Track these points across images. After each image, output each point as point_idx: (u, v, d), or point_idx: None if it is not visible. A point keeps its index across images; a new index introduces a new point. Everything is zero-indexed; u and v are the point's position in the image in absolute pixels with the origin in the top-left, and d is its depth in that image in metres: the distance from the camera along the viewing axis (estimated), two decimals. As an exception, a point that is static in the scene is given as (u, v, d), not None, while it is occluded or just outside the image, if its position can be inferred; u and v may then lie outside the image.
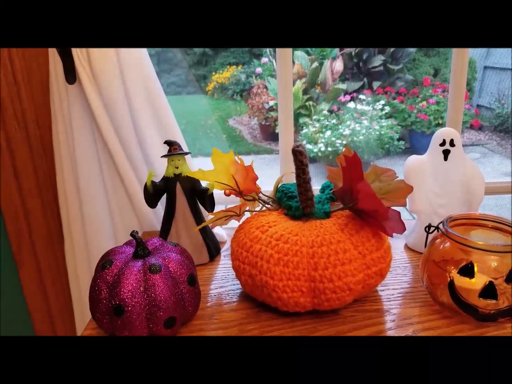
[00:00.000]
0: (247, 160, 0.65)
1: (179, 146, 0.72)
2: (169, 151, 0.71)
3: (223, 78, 5.22)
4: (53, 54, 0.79)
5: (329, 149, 3.68)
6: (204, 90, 5.42)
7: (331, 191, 0.65)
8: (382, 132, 3.78)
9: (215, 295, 0.67)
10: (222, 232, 0.85)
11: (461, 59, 0.94)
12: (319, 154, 3.68)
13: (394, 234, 0.58)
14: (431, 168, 0.72)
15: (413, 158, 0.73)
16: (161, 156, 0.72)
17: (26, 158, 0.93)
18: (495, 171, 3.82)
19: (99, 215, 0.89)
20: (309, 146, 3.74)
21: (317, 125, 3.88)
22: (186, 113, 5.01)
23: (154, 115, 0.83)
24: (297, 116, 4.07)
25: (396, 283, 0.68)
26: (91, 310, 0.55)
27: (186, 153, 0.72)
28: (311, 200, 0.60)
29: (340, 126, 3.82)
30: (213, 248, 0.76)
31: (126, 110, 0.81)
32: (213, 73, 5.37)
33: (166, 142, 0.71)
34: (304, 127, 3.94)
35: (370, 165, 0.64)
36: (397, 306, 0.62)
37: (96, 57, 0.77)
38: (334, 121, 3.89)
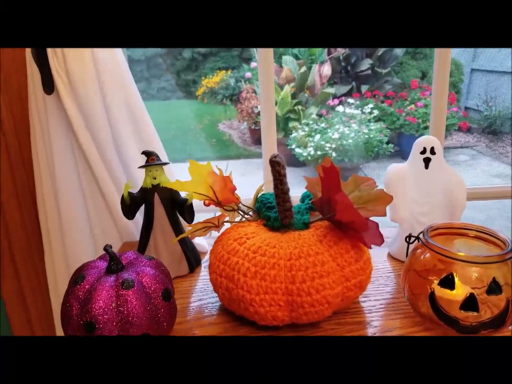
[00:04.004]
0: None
1: (157, 156, 0.70)
2: (147, 161, 0.70)
3: (213, 82, 5.22)
4: (30, 64, 0.78)
5: (319, 152, 3.68)
6: (194, 95, 5.41)
7: (311, 201, 0.64)
8: (371, 136, 3.79)
9: (193, 309, 0.65)
10: (203, 243, 0.83)
11: (443, 64, 0.93)
12: (309, 158, 3.68)
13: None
14: (412, 176, 0.71)
15: (394, 166, 0.72)
16: (139, 167, 0.71)
17: (5, 169, 0.91)
18: (484, 173, 3.85)
19: (79, 227, 0.88)
20: (298, 150, 3.74)
21: (306, 129, 3.88)
22: (176, 118, 5.00)
23: (133, 125, 0.82)
24: (286, 120, 4.07)
25: (378, 294, 0.67)
26: (63, 326, 0.53)
27: (164, 164, 0.71)
28: (289, 211, 0.59)
29: (329, 130, 3.83)
30: (193, 259, 0.75)
31: (105, 121, 0.79)
32: (203, 78, 5.37)
33: (144, 153, 0.70)
34: (293, 131, 3.94)
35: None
36: (378, 318, 0.61)
37: (73, 67, 0.75)
38: (323, 125, 3.89)
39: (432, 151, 0.70)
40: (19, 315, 1.03)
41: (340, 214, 0.53)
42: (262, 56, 0.92)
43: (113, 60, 0.77)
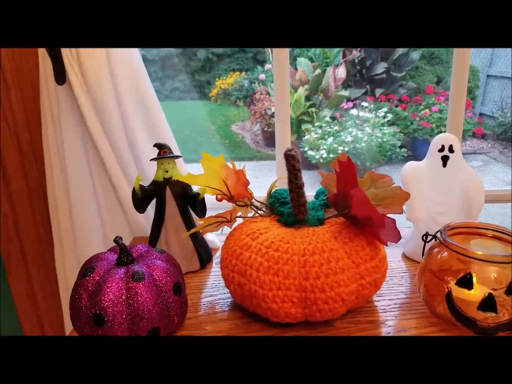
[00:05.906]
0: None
1: (169, 149, 0.69)
2: (159, 154, 0.69)
3: (226, 84, 5.24)
4: (43, 54, 0.78)
5: (331, 155, 3.66)
6: (208, 96, 5.43)
7: (325, 197, 0.63)
8: (384, 139, 3.77)
9: (204, 304, 0.64)
10: (215, 239, 0.82)
11: (461, 65, 0.91)
12: (321, 160, 3.66)
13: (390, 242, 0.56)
14: (429, 174, 0.70)
15: (411, 164, 0.70)
16: (150, 160, 0.70)
17: (16, 163, 0.91)
18: (497, 179, 3.79)
19: (89, 221, 0.87)
20: (311, 153, 3.72)
21: (319, 131, 3.86)
22: (189, 119, 5.02)
23: (146, 117, 0.81)
24: (299, 122, 4.06)
25: (393, 293, 0.65)
26: (72, 319, 0.53)
27: (177, 157, 0.70)
28: (304, 206, 0.58)
29: (342, 133, 3.81)
30: (204, 255, 0.74)
31: (117, 112, 0.78)
32: (216, 79, 5.38)
33: (156, 145, 0.69)
34: (306, 134, 3.93)
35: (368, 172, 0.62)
36: (392, 317, 0.59)
37: (85, 57, 0.74)
38: (336, 127, 3.88)
39: (451, 149, 0.68)
40: (29, 312, 1.03)
41: (356, 209, 0.52)
42: (278, 57, 0.91)
43: (126, 52, 0.76)
